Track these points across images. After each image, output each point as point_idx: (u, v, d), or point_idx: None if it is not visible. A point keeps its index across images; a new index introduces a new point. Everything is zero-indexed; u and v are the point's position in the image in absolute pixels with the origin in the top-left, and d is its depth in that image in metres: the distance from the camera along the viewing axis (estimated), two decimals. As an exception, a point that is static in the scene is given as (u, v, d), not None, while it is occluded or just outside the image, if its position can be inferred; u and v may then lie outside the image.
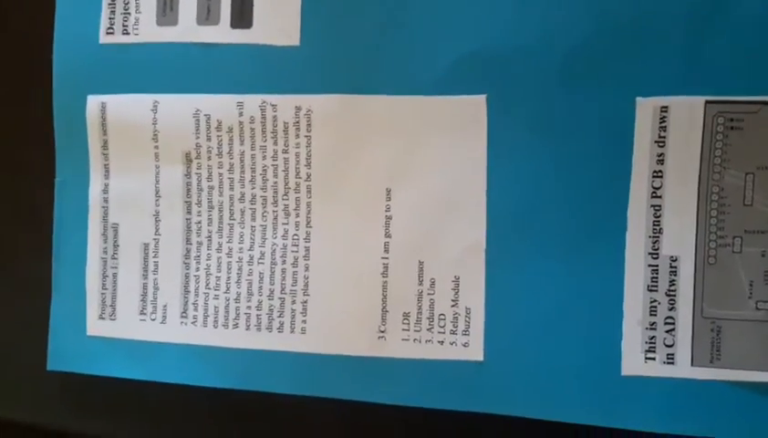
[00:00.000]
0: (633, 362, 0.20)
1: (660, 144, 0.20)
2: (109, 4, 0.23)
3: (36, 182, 0.24)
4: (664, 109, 0.20)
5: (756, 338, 0.20)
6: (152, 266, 0.23)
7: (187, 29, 0.23)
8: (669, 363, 0.20)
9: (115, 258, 0.24)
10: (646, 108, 0.20)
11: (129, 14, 0.23)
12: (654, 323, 0.20)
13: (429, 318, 0.22)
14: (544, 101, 0.21)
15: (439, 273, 0.22)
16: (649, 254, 0.20)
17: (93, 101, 0.23)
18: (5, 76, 0.25)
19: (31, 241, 0.24)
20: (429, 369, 0.22)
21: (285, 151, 0.22)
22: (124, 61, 0.23)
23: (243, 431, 0.23)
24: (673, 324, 0.20)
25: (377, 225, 0.22)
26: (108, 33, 0.23)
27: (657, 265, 0.20)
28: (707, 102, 0.20)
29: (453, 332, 0.22)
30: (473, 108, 0.21)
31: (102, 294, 0.24)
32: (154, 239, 0.23)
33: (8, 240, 0.25)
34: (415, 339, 0.22)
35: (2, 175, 0.25)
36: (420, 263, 0.22)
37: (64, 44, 0.23)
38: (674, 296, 0.20)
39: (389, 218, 0.22)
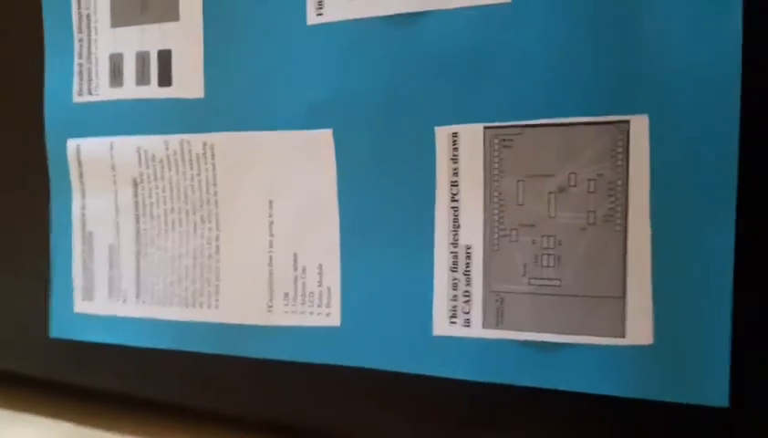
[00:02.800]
0: (441, 325, 0.27)
1: (454, 161, 0.26)
2: (78, 73, 0.32)
3: (41, 201, 0.34)
4: (455, 134, 0.26)
5: (529, 306, 0.26)
6: (116, 262, 0.32)
7: (129, 89, 0.31)
8: (466, 326, 0.27)
9: (91, 257, 0.33)
10: (442, 134, 0.26)
11: (91, 79, 0.32)
12: (455, 295, 0.27)
13: (302, 296, 0.29)
14: (372, 131, 0.27)
15: (308, 262, 0.29)
16: (451, 243, 0.27)
17: (71, 143, 0.32)
18: (19, 126, 0.34)
19: (39, 244, 0.34)
20: (303, 333, 0.29)
21: (198, 175, 0.30)
22: (90, 113, 0.32)
23: (178, 383, 0.31)
24: (469, 296, 0.26)
25: (263, 227, 0.29)
26: (78, 94, 0.32)
27: (456, 252, 0.27)
28: (485, 127, 0.26)
29: (319, 306, 0.29)
30: (324, 139, 0.28)
31: (84, 282, 0.33)
32: (116, 242, 0.32)
33: (21, 243, 0.34)
34: (293, 311, 0.29)
35: (15, 194, 0.35)
36: (295, 255, 0.29)
37: (51, 103, 0.33)
38: (469, 275, 0.26)
39: (271, 222, 0.29)
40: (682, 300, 0.24)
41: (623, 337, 0.25)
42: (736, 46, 0.23)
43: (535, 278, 0.26)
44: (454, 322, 0.27)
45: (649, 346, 0.24)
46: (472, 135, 0.26)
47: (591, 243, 0.25)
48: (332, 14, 0.27)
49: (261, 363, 0.30)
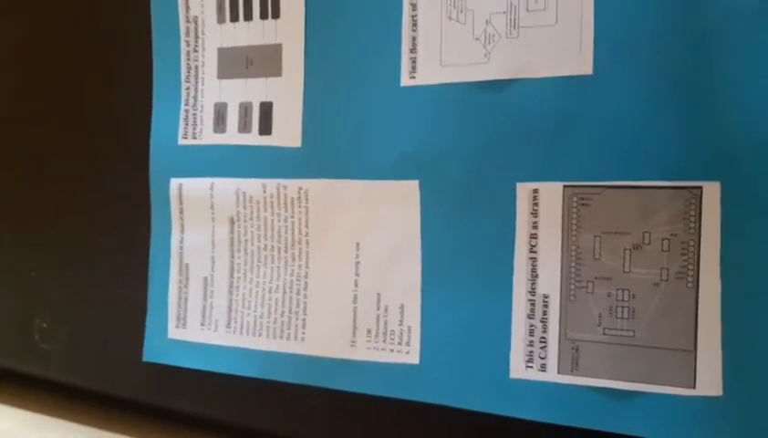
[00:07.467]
0: (517, 369, 0.29)
1: (534, 215, 0.29)
2: (184, 118, 0.35)
3: (143, 234, 0.37)
4: (536, 190, 0.28)
5: (604, 355, 0.27)
6: (209, 293, 0.35)
7: (232, 135, 0.34)
8: (542, 371, 0.28)
9: (186, 287, 0.35)
10: (523, 190, 0.29)
11: (196, 125, 0.35)
12: (532, 341, 0.29)
13: (383, 333, 0.31)
14: (457, 184, 0.30)
15: (390, 302, 0.31)
16: (528, 291, 0.29)
17: (174, 182, 0.36)
18: (126, 165, 0.38)
19: (139, 274, 0.37)
20: (382, 368, 0.31)
21: (292, 217, 0.33)
22: (193, 155, 0.35)
23: (260, 410, 0.34)
24: (545, 342, 0.28)
25: (350, 268, 0.32)
26: (183, 138, 0.35)
27: (534, 300, 0.29)
28: (564, 186, 0.28)
29: (400, 343, 0.31)
30: (410, 189, 0.31)
31: (178, 311, 0.36)
32: (210, 274, 0.35)
33: (123, 272, 0.37)
34: (374, 348, 0.31)
35: (119, 226, 0.38)
36: (378, 294, 0.31)
37: (157, 144, 0.36)
38: (546, 322, 0.28)
39: (358, 263, 0.32)
40: (752, 354, 0.25)
41: (693, 388, 0.26)
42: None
43: (610, 328, 0.27)
44: (530, 366, 0.29)
45: (719, 397, 0.26)
46: (552, 192, 0.28)
47: (663, 297, 0.27)
48: (424, 77, 0.30)
49: (342, 395, 0.32)
